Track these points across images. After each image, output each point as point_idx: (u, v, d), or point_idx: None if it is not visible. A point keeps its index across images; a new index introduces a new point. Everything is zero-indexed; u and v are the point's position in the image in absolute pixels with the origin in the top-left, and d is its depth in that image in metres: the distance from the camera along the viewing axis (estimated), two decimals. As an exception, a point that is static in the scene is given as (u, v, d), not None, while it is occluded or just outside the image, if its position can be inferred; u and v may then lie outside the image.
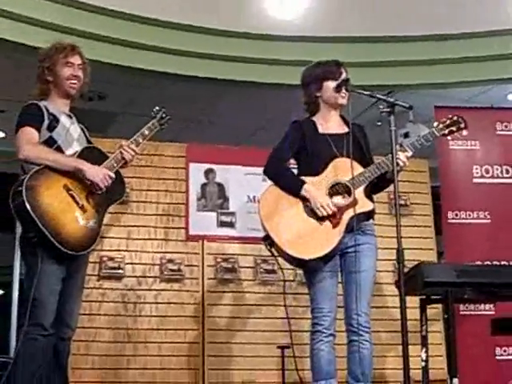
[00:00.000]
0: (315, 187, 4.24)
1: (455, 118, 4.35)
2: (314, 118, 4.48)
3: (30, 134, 4.10)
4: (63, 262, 4.03)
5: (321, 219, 4.20)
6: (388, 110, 3.95)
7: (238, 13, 7.16)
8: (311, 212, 4.22)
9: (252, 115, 8.31)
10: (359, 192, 4.23)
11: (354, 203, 4.20)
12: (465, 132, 4.29)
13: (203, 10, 7.00)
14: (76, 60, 4.32)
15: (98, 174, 4.11)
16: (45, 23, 6.47)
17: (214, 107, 8.15)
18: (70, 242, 3.98)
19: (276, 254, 4.29)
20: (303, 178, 4.31)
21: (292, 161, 4.54)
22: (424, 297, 5.08)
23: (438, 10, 7.07)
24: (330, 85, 4.38)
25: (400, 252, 3.74)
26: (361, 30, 7.20)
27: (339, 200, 4.23)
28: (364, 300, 4.18)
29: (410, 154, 4.27)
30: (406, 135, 8.02)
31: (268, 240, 4.26)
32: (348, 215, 4.20)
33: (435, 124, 4.37)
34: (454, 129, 4.33)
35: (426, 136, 4.32)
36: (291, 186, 4.28)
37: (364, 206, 4.24)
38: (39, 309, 3.95)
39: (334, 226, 4.19)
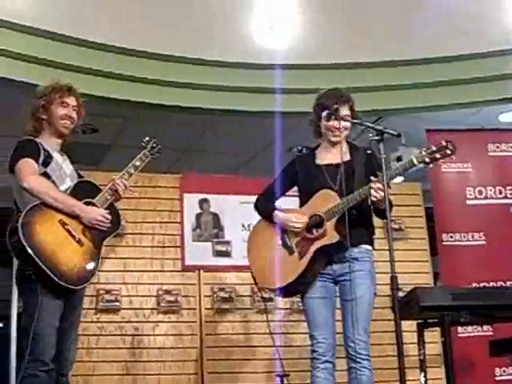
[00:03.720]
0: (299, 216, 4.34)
1: (443, 143, 4.18)
2: (317, 150, 4.55)
3: (32, 165, 4.14)
4: (61, 296, 4.05)
5: (291, 251, 4.33)
6: (377, 137, 3.96)
7: (230, 43, 7.18)
8: (285, 244, 4.37)
9: (245, 144, 8.34)
10: (330, 224, 4.26)
11: (323, 235, 4.25)
12: (453, 157, 4.19)
13: (194, 41, 7.03)
14: (72, 101, 4.37)
15: (96, 218, 4.15)
16: (35, 58, 6.46)
17: (206, 137, 8.17)
18: (68, 277, 3.99)
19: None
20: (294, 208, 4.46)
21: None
22: (421, 321, 5.08)
23: (425, 34, 7.10)
24: (329, 123, 4.40)
25: (394, 278, 3.74)
26: (349, 55, 7.23)
27: (314, 231, 4.31)
28: (361, 327, 4.18)
29: (388, 180, 4.12)
30: (399, 159, 8.03)
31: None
32: (315, 246, 4.27)
33: (417, 152, 4.24)
34: (437, 155, 4.14)
35: (404, 165, 4.20)
36: (266, 215, 4.51)
37: (330, 238, 4.26)
38: (40, 344, 3.95)
39: (301, 257, 4.28)
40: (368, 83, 7.27)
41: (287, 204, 4.61)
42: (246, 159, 8.78)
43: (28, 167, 4.10)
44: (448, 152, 4.17)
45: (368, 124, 4.12)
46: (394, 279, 3.74)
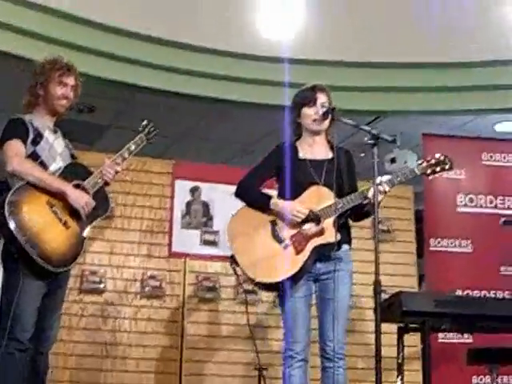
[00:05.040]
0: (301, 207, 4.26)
1: (442, 157, 4.31)
2: (298, 143, 4.49)
3: (17, 147, 4.11)
4: (45, 277, 4.03)
5: (286, 245, 4.23)
6: (372, 141, 3.97)
7: (229, 32, 7.17)
8: (277, 236, 4.26)
9: (240, 134, 8.34)
10: (328, 222, 4.22)
11: (321, 233, 4.22)
12: (450, 172, 4.27)
13: (193, 29, 7.02)
14: (70, 81, 4.34)
15: (80, 201, 4.12)
16: (34, 34, 6.45)
17: (202, 124, 8.17)
18: (52, 259, 3.98)
19: (240, 273, 4.32)
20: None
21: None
22: (402, 325, 5.10)
23: (430, 39, 7.10)
24: (307, 111, 4.39)
25: (377, 283, 3.75)
26: (351, 54, 7.23)
27: (308, 227, 4.25)
28: (340, 327, 4.18)
29: (387, 189, 4.21)
30: (393, 160, 8.06)
31: (233, 260, 4.31)
32: (312, 244, 4.22)
33: (419, 162, 4.34)
34: (437, 169, 4.29)
35: (406, 173, 4.29)
36: (259, 202, 4.34)
37: (329, 237, 4.22)
38: (18, 324, 3.94)
39: (298, 253, 4.21)
40: (368, 83, 7.28)
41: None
42: (241, 149, 8.78)
43: (12, 149, 4.07)
44: (446, 167, 4.31)
45: (364, 128, 4.12)
46: (377, 285, 3.74)
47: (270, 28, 7.24)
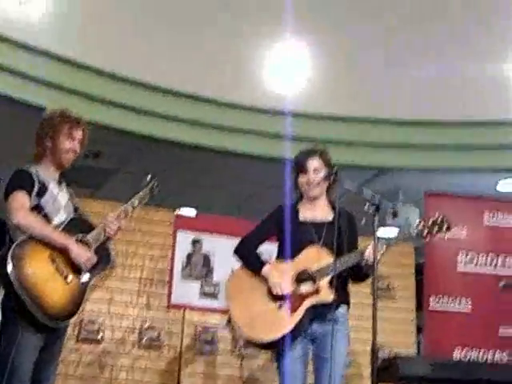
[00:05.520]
0: (282, 272, 4.28)
1: (440, 218, 4.26)
2: (299, 205, 4.53)
3: (23, 199, 4.10)
4: (43, 332, 4.02)
5: (281, 304, 4.24)
6: (372, 210, 4.00)
7: (237, 85, 7.26)
8: (272, 296, 4.27)
9: (243, 186, 8.37)
10: (324, 282, 4.24)
11: (316, 292, 4.23)
12: (448, 234, 4.24)
13: (199, 79, 7.12)
14: (79, 134, 4.33)
15: (82, 257, 4.13)
16: (42, 81, 6.53)
17: (205, 175, 8.21)
18: (52, 313, 3.98)
19: (236, 332, 4.38)
20: (276, 261, 4.39)
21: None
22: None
23: (431, 96, 7.19)
24: (300, 179, 4.43)
25: (375, 350, 3.76)
26: (353, 109, 7.31)
27: (303, 287, 4.26)
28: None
29: (381, 250, 4.20)
30: (395, 215, 8.07)
31: (230, 319, 4.38)
32: (307, 303, 4.23)
33: (417, 222, 4.33)
34: (434, 230, 4.24)
35: (403, 236, 4.32)
36: (253, 267, 4.37)
37: (325, 296, 4.23)
38: (15, 377, 3.92)
39: (292, 312, 4.22)
40: (369, 138, 7.34)
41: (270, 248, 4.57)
42: (243, 200, 8.80)
43: (18, 201, 4.08)
44: (444, 228, 4.28)
45: (366, 197, 4.12)
46: (375, 351, 3.75)
47: (273, 80, 7.32)
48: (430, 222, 4.27)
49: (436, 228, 4.26)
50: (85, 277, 4.19)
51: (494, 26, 7.50)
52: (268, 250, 4.53)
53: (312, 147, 4.53)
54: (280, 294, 4.24)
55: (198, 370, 6.40)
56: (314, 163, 4.42)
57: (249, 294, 4.36)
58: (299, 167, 4.44)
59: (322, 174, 4.37)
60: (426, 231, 4.27)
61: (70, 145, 4.31)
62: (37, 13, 6.66)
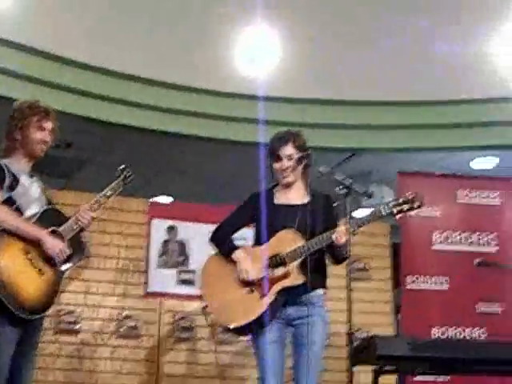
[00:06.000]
0: (255, 256, 4.31)
1: (411, 196, 4.26)
2: (275, 189, 4.53)
3: None
4: (19, 325, 4.00)
5: (252, 289, 4.28)
6: (344, 191, 4.00)
7: (209, 70, 7.23)
8: (244, 282, 4.29)
9: (217, 171, 8.36)
10: (293, 265, 4.25)
11: (286, 276, 4.24)
12: (425, 210, 4.24)
13: (169, 65, 7.09)
14: (49, 125, 4.31)
15: (55, 249, 4.11)
16: (9, 72, 6.46)
17: (179, 162, 8.18)
18: (26, 306, 3.96)
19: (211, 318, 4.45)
20: (250, 246, 4.44)
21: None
22: (377, 367, 5.09)
23: (402, 77, 7.19)
24: (275, 165, 4.44)
25: (351, 334, 3.77)
26: (326, 92, 7.30)
27: (276, 271, 4.27)
28: (313, 374, 4.18)
29: (354, 230, 4.21)
30: (370, 196, 8.07)
31: (205, 306, 4.45)
32: (277, 287, 4.25)
33: (387, 201, 4.33)
34: (405, 208, 4.24)
35: (371, 216, 4.28)
36: (225, 252, 4.42)
37: (294, 280, 4.25)
38: None
39: (262, 296, 4.25)
40: (343, 120, 7.34)
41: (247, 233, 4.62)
42: (218, 187, 8.78)
43: None
44: (415, 205, 4.27)
45: (338, 178, 4.14)
46: (350, 332, 3.76)
47: (245, 65, 7.29)
48: (400, 201, 4.27)
49: (407, 206, 4.26)
50: (64, 267, 4.18)
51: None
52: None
53: (285, 132, 4.51)
54: (246, 279, 4.28)
55: (177, 357, 6.38)
56: (287, 150, 4.41)
57: (222, 281, 4.39)
58: (273, 155, 4.43)
59: (296, 159, 4.38)
60: (396, 209, 4.26)
61: (41, 135, 4.29)
62: (3, 4, 6.59)
